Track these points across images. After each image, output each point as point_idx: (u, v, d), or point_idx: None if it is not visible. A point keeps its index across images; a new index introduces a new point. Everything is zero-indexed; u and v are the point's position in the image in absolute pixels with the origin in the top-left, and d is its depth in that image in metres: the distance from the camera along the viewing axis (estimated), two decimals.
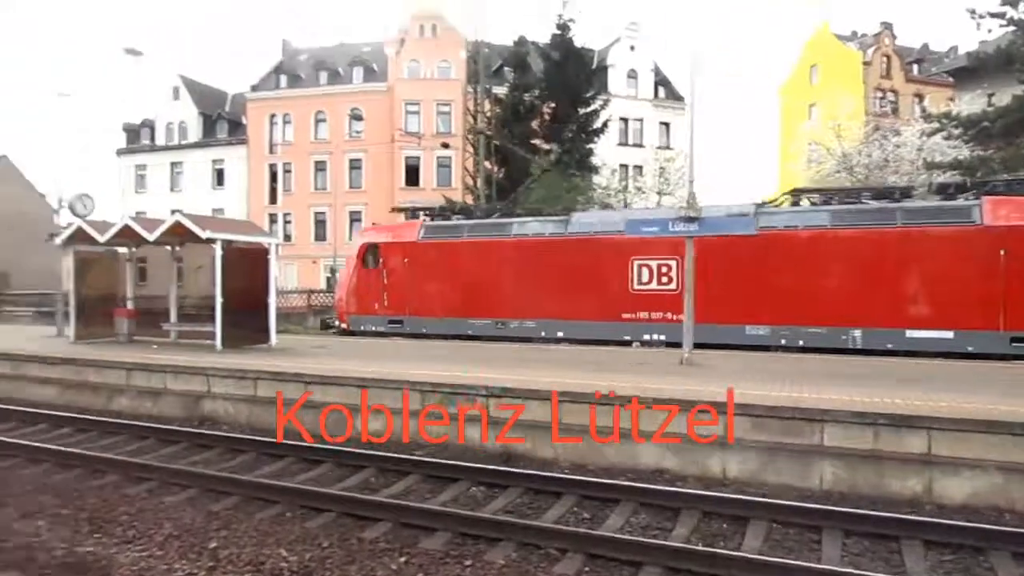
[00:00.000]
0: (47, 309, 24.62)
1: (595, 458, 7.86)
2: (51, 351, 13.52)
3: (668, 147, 43.12)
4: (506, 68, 37.39)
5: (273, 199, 45.77)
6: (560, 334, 16.16)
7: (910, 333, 13.33)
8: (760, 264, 14.33)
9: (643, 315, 15.48)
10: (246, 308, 13.93)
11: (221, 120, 48.41)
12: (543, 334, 16.34)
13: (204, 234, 13.39)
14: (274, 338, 14.34)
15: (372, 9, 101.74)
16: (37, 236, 28.68)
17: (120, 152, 50.54)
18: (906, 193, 15.06)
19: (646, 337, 15.38)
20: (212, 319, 13.58)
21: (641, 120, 47.32)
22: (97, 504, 6.63)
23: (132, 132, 50.80)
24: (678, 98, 47.50)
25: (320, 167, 45.82)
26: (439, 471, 7.55)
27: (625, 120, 45.88)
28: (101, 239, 14.71)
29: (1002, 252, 12.68)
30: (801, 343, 13.99)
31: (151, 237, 14.12)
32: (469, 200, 30.18)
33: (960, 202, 13.63)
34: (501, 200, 25.14)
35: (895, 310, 13.50)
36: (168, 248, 15.33)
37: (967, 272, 12.96)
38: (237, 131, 47.76)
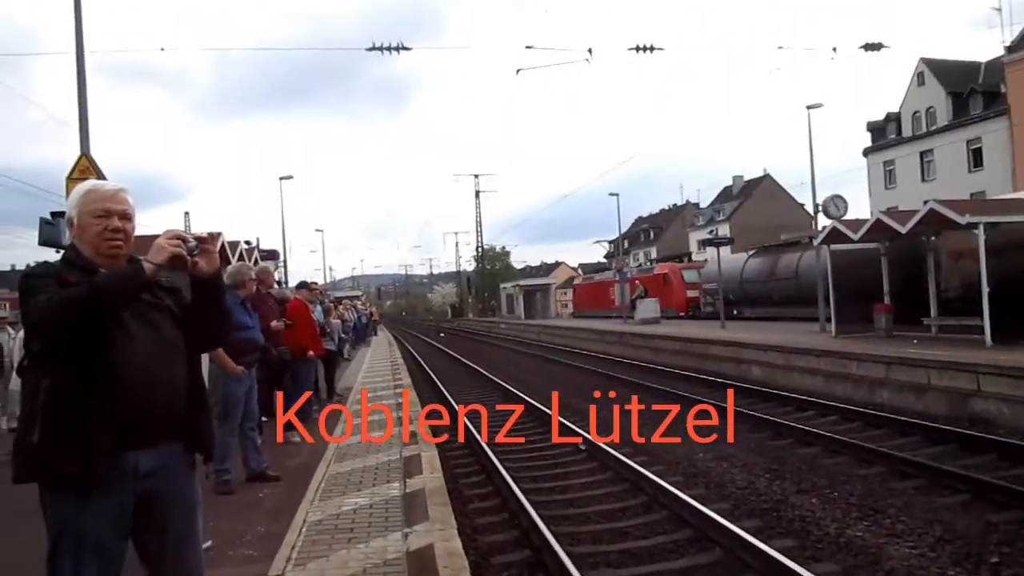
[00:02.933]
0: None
1: None
2: (814, 344, 14.56)
3: None
4: None
5: None
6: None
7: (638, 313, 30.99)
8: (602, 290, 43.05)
9: None
10: (1019, 298, 12.12)
11: (974, 95, 43.77)
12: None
13: (963, 219, 12.27)
14: None
15: None
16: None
17: (867, 151, 51.23)
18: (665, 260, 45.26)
19: None
20: (976, 313, 12.31)
21: None
22: (864, 492, 6.71)
23: (877, 130, 50.88)
24: None
25: None
26: None
27: None
28: (854, 236, 15.15)
29: (662, 281, 35.63)
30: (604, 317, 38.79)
31: (903, 229, 13.76)
32: None
33: (652, 265, 43.80)
34: None
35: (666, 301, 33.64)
36: (922, 239, 14.71)
37: (655, 287, 34.59)
38: (994, 103, 42.46)
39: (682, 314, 33.15)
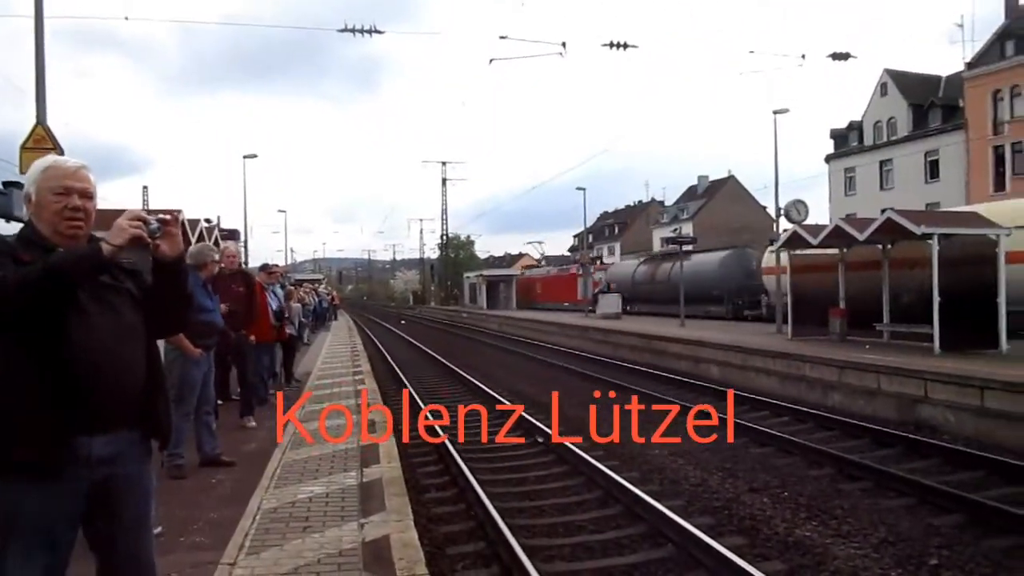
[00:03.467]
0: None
1: None
2: (771, 346, 14.84)
3: None
4: None
5: (1000, 186, 40.14)
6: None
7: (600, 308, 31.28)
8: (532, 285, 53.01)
9: None
10: (967, 308, 12.53)
11: (934, 108, 44.92)
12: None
13: (919, 229, 12.62)
14: (1004, 343, 12.44)
15: None
16: (760, 243, 32.26)
17: (828, 158, 52.18)
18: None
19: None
20: (927, 320, 12.68)
21: None
22: (814, 493, 6.87)
23: (839, 137, 51.84)
24: None
25: None
26: None
27: None
28: (814, 241, 15.46)
29: (598, 278, 37.03)
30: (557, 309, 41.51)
31: (861, 237, 14.10)
32: None
33: (568, 266, 49.47)
34: None
35: (572, 296, 39.73)
36: (879, 247, 15.06)
37: (571, 283, 40.38)
38: (952, 117, 43.62)
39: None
